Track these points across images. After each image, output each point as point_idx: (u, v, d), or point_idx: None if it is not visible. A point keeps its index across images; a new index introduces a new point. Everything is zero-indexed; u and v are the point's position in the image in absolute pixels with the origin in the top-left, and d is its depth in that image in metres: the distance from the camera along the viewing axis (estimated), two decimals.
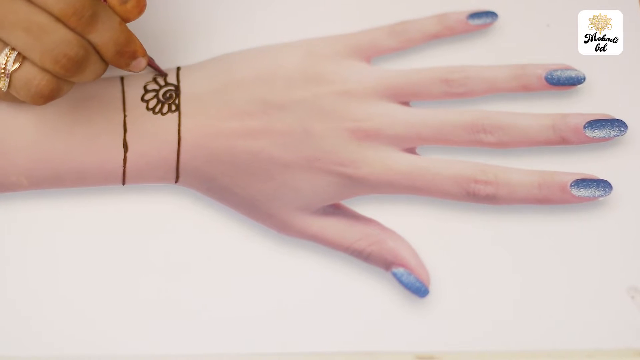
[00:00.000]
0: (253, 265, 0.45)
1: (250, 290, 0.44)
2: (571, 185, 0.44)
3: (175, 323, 0.43)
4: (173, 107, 0.45)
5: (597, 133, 0.45)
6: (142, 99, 0.46)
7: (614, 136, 0.45)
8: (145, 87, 0.46)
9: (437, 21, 0.49)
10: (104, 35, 0.39)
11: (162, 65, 0.47)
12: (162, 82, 0.46)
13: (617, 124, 0.45)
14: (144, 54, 0.42)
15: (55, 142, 0.44)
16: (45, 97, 0.40)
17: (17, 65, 0.39)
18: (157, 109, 0.46)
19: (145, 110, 0.45)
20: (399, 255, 0.44)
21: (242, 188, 0.44)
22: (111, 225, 0.45)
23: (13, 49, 0.39)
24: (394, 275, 0.44)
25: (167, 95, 0.46)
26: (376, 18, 0.49)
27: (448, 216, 0.45)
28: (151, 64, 0.45)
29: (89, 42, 0.39)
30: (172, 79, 0.46)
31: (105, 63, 0.41)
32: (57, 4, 0.38)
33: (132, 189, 0.46)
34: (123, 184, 0.45)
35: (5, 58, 0.39)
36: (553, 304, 0.43)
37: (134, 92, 0.46)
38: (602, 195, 0.44)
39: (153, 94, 0.46)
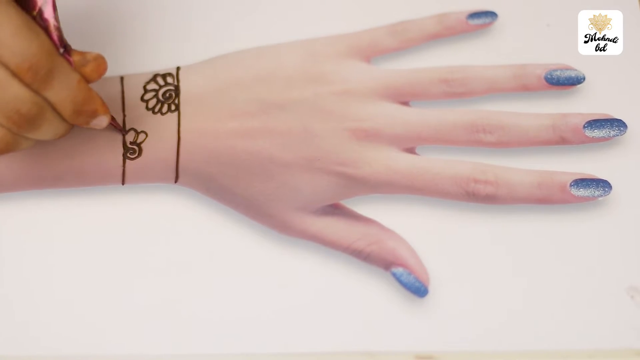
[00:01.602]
0: (253, 265, 0.45)
1: (250, 290, 0.44)
2: (571, 185, 0.44)
3: (174, 323, 0.43)
4: (172, 107, 0.46)
5: (597, 133, 0.45)
6: (142, 98, 0.46)
7: (614, 136, 0.45)
8: (144, 87, 0.46)
9: (437, 21, 0.49)
10: (60, 93, 0.38)
11: (162, 65, 0.48)
12: (161, 82, 0.46)
13: (617, 124, 0.45)
14: (105, 112, 0.41)
15: (54, 142, 0.44)
16: (0, 150, 0.39)
17: None
18: (156, 109, 0.46)
19: (145, 110, 0.46)
20: (399, 255, 0.44)
21: (242, 188, 0.44)
22: (111, 225, 0.45)
23: None
24: (394, 275, 0.44)
25: (167, 95, 0.46)
26: (376, 18, 0.49)
27: (448, 216, 0.45)
28: (112, 122, 0.44)
29: (46, 100, 0.38)
30: (172, 78, 0.46)
31: (66, 122, 0.40)
32: (13, 59, 0.36)
33: (131, 189, 0.46)
34: (123, 184, 0.45)
35: None
36: (553, 304, 0.43)
37: (134, 92, 0.46)
38: (601, 195, 0.44)
39: (153, 93, 0.46)
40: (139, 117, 0.45)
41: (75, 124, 0.41)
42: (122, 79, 0.46)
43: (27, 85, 0.37)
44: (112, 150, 0.45)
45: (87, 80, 0.40)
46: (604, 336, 0.43)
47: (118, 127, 0.45)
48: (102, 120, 0.41)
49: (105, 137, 0.45)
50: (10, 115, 0.38)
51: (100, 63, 0.40)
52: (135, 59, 0.48)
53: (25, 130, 0.39)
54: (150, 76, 0.47)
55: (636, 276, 0.44)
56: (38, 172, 0.44)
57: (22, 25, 0.37)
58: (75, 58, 0.39)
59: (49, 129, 0.39)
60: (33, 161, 0.44)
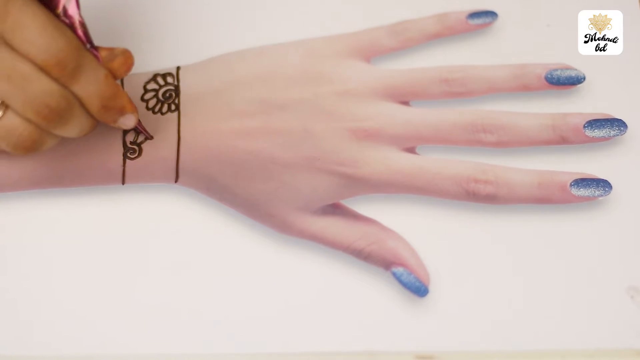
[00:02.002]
0: (253, 265, 0.45)
1: (250, 290, 0.44)
2: (571, 185, 0.44)
3: (175, 323, 0.43)
4: (173, 107, 0.46)
5: (597, 133, 0.45)
6: (142, 98, 0.46)
7: (614, 136, 0.45)
8: (144, 87, 0.46)
9: (437, 21, 0.49)
10: (88, 88, 0.39)
11: (162, 65, 0.48)
12: (162, 82, 0.46)
13: (617, 124, 0.45)
14: (133, 110, 0.41)
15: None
16: (27, 148, 0.39)
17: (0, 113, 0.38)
18: (156, 109, 0.46)
19: (145, 110, 0.46)
20: (399, 254, 0.44)
21: (242, 188, 0.44)
22: (111, 225, 0.45)
23: None
24: (394, 274, 0.44)
25: (167, 94, 0.46)
26: (376, 18, 0.49)
27: (448, 216, 0.45)
28: (139, 125, 0.44)
29: (74, 95, 0.39)
30: (172, 78, 0.46)
31: (93, 118, 0.40)
32: (41, 54, 0.37)
33: (132, 189, 0.46)
34: (123, 184, 0.45)
35: None
36: (553, 303, 0.43)
37: (134, 91, 0.46)
38: (601, 195, 0.44)
39: (153, 93, 0.46)
40: (139, 116, 0.45)
41: (102, 121, 0.41)
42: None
43: (55, 79, 0.38)
44: (112, 150, 0.45)
45: (115, 75, 0.40)
46: (604, 336, 0.43)
47: (145, 131, 0.44)
48: (130, 119, 0.41)
49: (105, 137, 0.45)
50: (40, 110, 0.38)
51: (128, 57, 0.40)
52: (136, 59, 0.48)
53: (54, 126, 0.39)
54: (150, 76, 0.47)
55: (636, 276, 0.44)
56: (38, 172, 0.44)
57: (47, 23, 0.37)
58: (102, 53, 0.40)
59: (76, 125, 0.40)
60: (33, 161, 0.44)
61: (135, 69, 0.47)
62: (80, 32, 0.39)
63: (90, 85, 0.39)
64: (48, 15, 0.37)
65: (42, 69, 0.37)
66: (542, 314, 0.43)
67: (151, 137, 0.45)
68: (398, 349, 0.43)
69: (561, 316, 0.43)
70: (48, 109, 0.38)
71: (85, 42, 0.39)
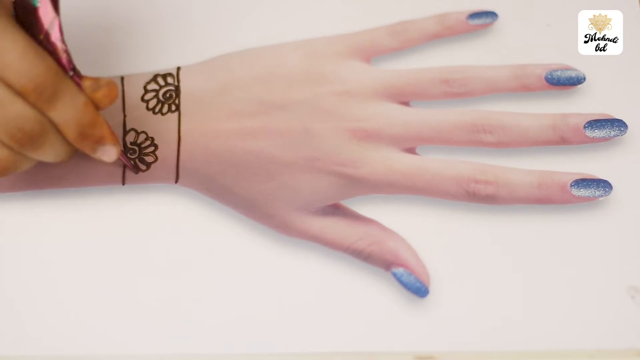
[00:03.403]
0: (253, 265, 0.45)
1: (250, 291, 0.44)
2: (571, 185, 0.44)
3: (175, 323, 0.43)
4: (173, 107, 0.46)
5: (597, 133, 0.45)
6: (142, 99, 0.46)
7: (614, 136, 0.45)
8: (145, 87, 0.46)
9: (437, 21, 0.49)
10: (65, 114, 0.38)
11: (162, 65, 0.48)
12: (162, 82, 0.46)
13: (617, 124, 0.45)
14: (114, 142, 0.41)
15: None
16: (2, 170, 0.39)
17: None
18: (157, 109, 0.46)
19: (145, 111, 0.46)
20: (399, 255, 0.44)
21: (242, 188, 0.44)
22: (111, 226, 0.45)
23: None
24: (394, 275, 0.44)
25: (167, 95, 0.46)
26: (376, 18, 0.49)
27: (448, 216, 0.45)
28: (122, 157, 0.43)
29: (51, 121, 0.38)
30: (172, 79, 0.46)
31: (70, 146, 0.40)
32: (19, 80, 0.37)
33: (132, 189, 0.46)
34: (123, 184, 0.45)
35: None
36: (553, 304, 0.43)
37: (134, 92, 0.46)
38: (602, 195, 0.44)
39: (153, 94, 0.46)
40: (139, 117, 0.45)
41: (81, 149, 0.40)
42: (122, 79, 0.46)
43: (32, 104, 0.37)
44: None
45: (97, 106, 0.40)
46: (604, 336, 0.43)
47: (129, 165, 0.44)
48: (110, 151, 0.41)
49: None
50: (13, 133, 0.38)
51: (112, 89, 0.40)
52: (136, 59, 0.48)
53: (28, 149, 0.39)
54: (151, 76, 0.47)
55: (636, 276, 0.44)
56: (38, 172, 0.44)
57: (28, 49, 0.37)
58: (86, 83, 0.39)
59: (51, 150, 0.39)
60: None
61: (135, 69, 0.47)
62: (63, 59, 0.38)
63: (68, 112, 0.38)
64: (28, 40, 0.37)
65: (20, 94, 0.37)
66: (542, 314, 0.43)
67: (136, 172, 0.45)
68: (398, 349, 0.43)
69: (561, 316, 0.43)
70: (21, 133, 0.38)
71: (67, 69, 0.38)
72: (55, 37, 0.38)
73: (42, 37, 0.37)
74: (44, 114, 0.38)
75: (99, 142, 0.40)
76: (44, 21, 0.37)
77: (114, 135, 0.41)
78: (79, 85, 0.39)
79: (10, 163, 0.39)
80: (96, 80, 0.40)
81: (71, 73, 0.39)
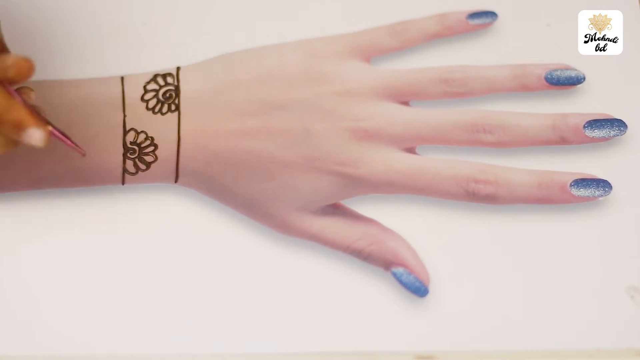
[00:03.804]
0: (253, 265, 0.45)
1: (250, 291, 0.44)
2: (571, 185, 0.44)
3: (175, 323, 0.43)
4: (173, 107, 0.45)
5: (597, 133, 0.45)
6: (142, 98, 0.46)
7: (614, 136, 0.45)
8: (145, 87, 0.46)
9: (437, 21, 0.49)
10: None
11: (163, 65, 0.47)
12: (162, 82, 0.46)
13: (617, 124, 0.45)
14: (38, 124, 0.37)
15: (54, 143, 0.44)
16: None
17: None
18: (156, 109, 0.46)
19: (145, 110, 0.45)
20: (399, 255, 0.44)
21: (242, 188, 0.44)
22: (111, 226, 0.45)
23: None
24: (394, 275, 0.44)
25: (167, 95, 0.46)
26: (376, 18, 0.49)
27: (448, 216, 0.45)
28: (57, 135, 0.40)
29: None
30: (172, 78, 0.46)
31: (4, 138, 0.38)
32: None
33: (132, 189, 0.46)
34: (122, 184, 0.45)
35: None
36: (553, 304, 0.43)
37: (134, 91, 0.46)
38: (601, 195, 0.44)
39: (153, 93, 0.46)
40: (139, 117, 0.45)
41: (5, 135, 0.38)
42: (122, 79, 0.46)
43: None
44: (111, 150, 0.45)
45: (13, 82, 0.38)
46: (604, 336, 0.43)
47: (73, 145, 0.41)
48: (35, 133, 0.37)
49: (106, 137, 0.45)
50: None
51: (22, 66, 0.37)
52: (136, 59, 0.48)
53: None
54: (151, 76, 0.47)
55: (636, 276, 0.44)
56: (38, 172, 0.44)
57: None
58: None
59: None
60: (33, 161, 0.44)
61: (135, 69, 0.47)
62: None
63: None
64: None
65: None
66: (542, 314, 0.43)
67: (83, 154, 0.42)
68: (398, 349, 0.43)
69: (561, 316, 0.43)
70: None
71: None
72: None
73: None
74: None
75: (19, 126, 0.37)
76: None
77: (35, 118, 0.37)
78: None
79: None
80: (1, 59, 0.37)
81: None
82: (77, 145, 0.41)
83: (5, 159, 0.44)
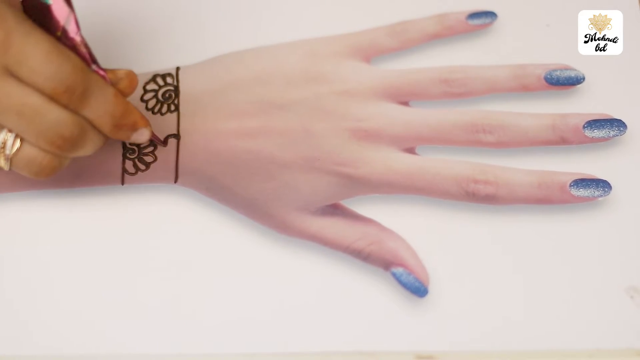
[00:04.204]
0: (253, 265, 0.45)
1: (250, 291, 0.44)
2: (571, 185, 0.44)
3: (174, 323, 0.43)
4: (172, 107, 0.46)
5: (597, 133, 0.45)
6: (142, 99, 0.46)
7: (614, 136, 0.45)
8: (144, 87, 0.46)
9: (436, 21, 0.49)
10: (98, 109, 0.38)
11: (162, 65, 0.47)
12: (161, 82, 0.46)
13: (617, 124, 0.45)
14: (146, 124, 0.41)
15: None
16: (48, 174, 0.39)
17: (16, 146, 0.38)
18: (156, 109, 0.46)
19: (145, 110, 0.46)
20: (399, 255, 0.44)
21: (242, 188, 0.45)
22: (110, 225, 0.45)
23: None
24: (393, 275, 0.44)
25: (167, 95, 0.46)
26: (376, 18, 0.49)
27: (448, 216, 0.45)
28: (152, 137, 0.44)
29: (85, 118, 0.38)
30: (171, 79, 0.46)
31: (105, 135, 0.40)
32: (49, 83, 0.36)
33: (131, 189, 0.46)
34: (122, 184, 0.45)
35: (4, 140, 0.38)
36: (553, 304, 0.43)
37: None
38: (601, 195, 0.44)
39: (152, 94, 0.46)
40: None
41: (116, 138, 0.41)
42: None
43: (65, 107, 0.37)
44: (111, 151, 0.45)
45: (123, 94, 0.40)
46: (604, 336, 0.43)
47: (158, 140, 0.44)
48: (143, 134, 0.41)
49: None
50: (53, 141, 0.38)
51: (132, 79, 0.40)
52: (135, 59, 0.48)
53: (69, 152, 0.39)
54: (150, 76, 0.47)
55: (636, 276, 0.44)
56: None
57: (51, 49, 0.36)
58: (109, 75, 0.39)
59: (91, 146, 0.39)
60: None
61: (135, 69, 0.47)
62: (83, 52, 0.38)
63: (101, 107, 0.38)
64: (51, 40, 0.37)
65: (51, 98, 0.37)
66: (542, 314, 0.43)
67: (164, 144, 0.45)
68: (398, 349, 0.43)
69: (561, 316, 0.43)
70: (62, 139, 0.38)
71: (89, 62, 0.38)
72: (73, 32, 0.37)
73: (59, 33, 0.37)
74: (78, 113, 0.38)
75: (133, 128, 0.41)
76: (59, 18, 0.37)
77: (144, 118, 0.41)
78: (104, 78, 0.39)
79: (55, 167, 0.39)
80: (114, 72, 0.40)
81: (94, 66, 0.38)
82: (159, 138, 0.45)
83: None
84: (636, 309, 0.43)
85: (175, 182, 0.45)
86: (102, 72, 0.39)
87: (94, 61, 0.38)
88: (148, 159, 0.45)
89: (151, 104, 0.46)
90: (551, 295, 0.44)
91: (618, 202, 0.45)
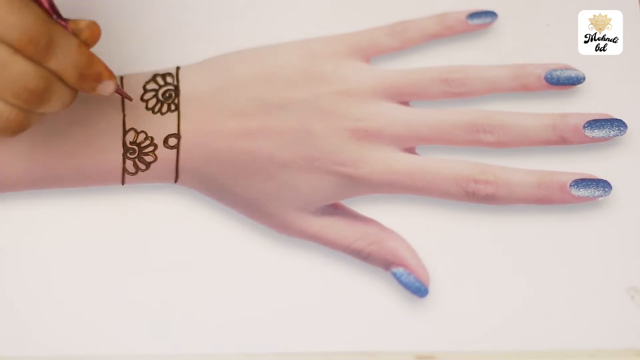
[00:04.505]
0: (253, 265, 0.45)
1: (250, 291, 0.44)
2: (571, 185, 0.44)
3: (174, 323, 0.43)
4: (172, 107, 0.45)
5: (597, 133, 0.45)
6: (142, 98, 0.46)
7: (614, 136, 0.45)
8: (144, 87, 0.46)
9: (436, 21, 0.49)
10: (63, 61, 0.38)
11: (162, 65, 0.47)
12: (161, 82, 0.46)
13: (617, 124, 0.45)
14: (110, 76, 0.41)
15: (54, 142, 0.44)
16: (13, 130, 0.39)
17: None
18: (156, 109, 0.45)
19: (145, 110, 0.45)
20: (399, 255, 0.44)
21: (242, 188, 0.44)
22: (111, 225, 0.45)
23: None
24: (394, 275, 0.44)
25: (167, 94, 0.46)
26: (376, 18, 0.49)
27: (448, 216, 0.45)
28: (118, 90, 0.43)
29: (50, 70, 0.38)
30: (171, 78, 0.46)
31: (73, 89, 0.40)
32: (12, 33, 0.36)
33: (131, 189, 0.46)
34: (122, 184, 0.45)
35: None
36: (553, 304, 0.43)
37: (133, 91, 0.46)
38: (601, 195, 0.44)
39: (152, 93, 0.46)
40: (138, 117, 0.45)
41: (81, 90, 0.40)
42: (121, 78, 0.46)
43: (30, 58, 0.37)
44: (111, 150, 0.45)
45: (86, 44, 0.40)
46: (604, 336, 0.43)
47: (124, 94, 0.44)
48: (108, 85, 0.40)
49: (105, 137, 0.45)
50: (19, 93, 0.37)
51: (94, 29, 0.40)
52: (135, 59, 0.48)
53: (36, 106, 0.38)
54: (150, 76, 0.47)
55: (636, 276, 0.44)
56: (38, 172, 0.44)
57: (12, 0, 0.36)
58: (71, 26, 0.39)
59: (58, 100, 0.39)
60: (33, 161, 0.44)
61: (135, 69, 0.47)
62: (45, 3, 0.38)
63: (65, 58, 0.38)
64: None
65: (16, 49, 0.37)
66: (542, 314, 0.43)
67: (130, 99, 0.44)
68: (398, 349, 0.43)
69: (561, 316, 0.43)
70: (27, 92, 0.37)
71: (51, 13, 0.38)
72: None
73: None
74: (43, 65, 0.38)
75: (98, 79, 0.40)
76: None
77: (108, 69, 0.41)
78: (66, 28, 0.39)
79: (21, 121, 0.39)
80: (76, 22, 0.39)
81: (55, 17, 0.38)
82: (125, 92, 0.44)
83: (6, 159, 0.44)
84: (636, 309, 0.43)
85: (176, 181, 0.45)
86: (64, 23, 0.39)
87: (56, 12, 0.38)
88: (148, 158, 0.45)
89: (151, 103, 0.46)
90: (551, 295, 0.44)
91: (618, 202, 0.45)
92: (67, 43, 0.38)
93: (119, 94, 0.44)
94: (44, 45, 0.37)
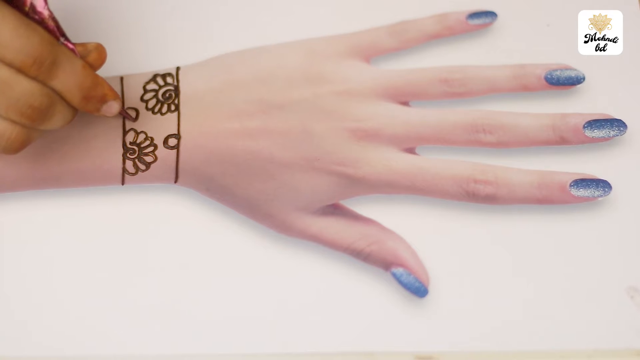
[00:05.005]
0: (252, 265, 0.45)
1: (250, 291, 0.44)
2: (571, 185, 0.44)
3: (174, 323, 0.43)
4: (172, 107, 0.46)
5: (597, 133, 0.45)
6: (142, 99, 0.46)
7: (614, 136, 0.45)
8: (144, 87, 0.46)
9: (436, 21, 0.49)
10: (67, 81, 0.39)
11: (162, 65, 0.47)
12: (161, 82, 0.46)
13: (617, 124, 0.45)
14: (115, 97, 0.42)
15: (54, 143, 0.44)
16: (16, 149, 0.40)
17: None
18: (156, 109, 0.46)
19: (145, 110, 0.46)
20: (399, 255, 0.44)
21: (241, 188, 0.44)
22: (110, 226, 0.45)
23: None
24: (394, 275, 0.44)
25: (167, 95, 0.46)
26: (376, 18, 0.49)
27: (448, 216, 0.45)
28: (122, 111, 0.44)
29: (54, 90, 0.39)
30: (171, 78, 0.46)
31: (74, 108, 0.41)
32: (17, 56, 0.37)
33: (131, 189, 0.46)
34: (122, 184, 0.45)
35: None
36: (552, 304, 0.43)
37: (133, 92, 0.46)
38: (601, 195, 0.44)
39: (152, 94, 0.46)
40: (138, 117, 0.45)
41: (85, 111, 0.41)
42: (121, 79, 0.46)
43: (34, 78, 0.38)
44: (111, 151, 0.45)
45: (92, 67, 0.41)
46: (603, 336, 0.43)
47: (128, 116, 0.45)
48: (112, 106, 0.42)
49: (105, 138, 0.45)
50: (23, 111, 0.38)
51: (101, 51, 0.41)
52: (135, 59, 0.48)
53: (39, 123, 0.39)
54: (150, 76, 0.47)
55: (636, 276, 0.44)
56: (38, 172, 0.44)
57: (18, 24, 0.37)
58: (78, 49, 0.40)
59: (59, 118, 0.40)
60: (33, 162, 0.44)
61: (135, 69, 0.47)
62: (51, 26, 0.39)
63: (69, 78, 0.39)
64: (17, 15, 0.37)
65: (20, 70, 0.37)
66: (542, 314, 0.43)
67: (134, 120, 0.45)
68: (398, 349, 0.43)
69: (561, 316, 0.43)
70: (31, 109, 0.38)
71: (58, 35, 0.39)
72: (40, 6, 0.38)
73: (27, 9, 0.38)
74: (46, 85, 0.39)
75: (102, 100, 0.41)
76: None
77: (113, 90, 0.42)
78: (72, 50, 0.40)
79: (24, 139, 0.39)
80: (84, 45, 0.40)
81: (62, 39, 0.39)
82: (128, 113, 0.45)
83: (6, 159, 0.44)
84: (636, 309, 0.43)
85: (176, 182, 0.45)
86: (70, 45, 0.40)
87: (63, 34, 0.39)
88: (148, 159, 0.45)
89: (151, 103, 0.46)
90: (551, 295, 0.44)
91: (618, 202, 0.45)
92: (72, 64, 0.39)
93: (122, 115, 0.45)
94: (48, 65, 0.38)
